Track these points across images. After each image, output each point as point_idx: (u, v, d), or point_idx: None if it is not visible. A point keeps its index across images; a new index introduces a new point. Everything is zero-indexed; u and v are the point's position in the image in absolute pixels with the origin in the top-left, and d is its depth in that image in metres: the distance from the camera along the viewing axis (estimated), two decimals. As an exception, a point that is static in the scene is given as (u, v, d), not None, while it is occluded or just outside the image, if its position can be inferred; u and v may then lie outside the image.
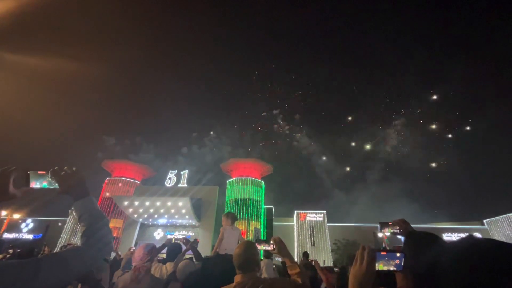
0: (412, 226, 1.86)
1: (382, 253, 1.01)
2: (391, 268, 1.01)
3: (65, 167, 1.19)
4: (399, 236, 1.93)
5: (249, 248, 1.86)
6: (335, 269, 6.32)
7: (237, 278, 1.76)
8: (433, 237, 1.22)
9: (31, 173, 1.16)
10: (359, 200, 47.65)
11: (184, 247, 3.88)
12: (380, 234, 23.39)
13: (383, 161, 48.75)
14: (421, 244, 1.17)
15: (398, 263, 1.00)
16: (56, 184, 1.17)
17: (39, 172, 1.17)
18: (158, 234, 27.47)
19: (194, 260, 3.97)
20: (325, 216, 30.29)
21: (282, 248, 1.94)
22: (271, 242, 1.97)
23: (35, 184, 1.16)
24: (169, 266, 3.20)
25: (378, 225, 2.06)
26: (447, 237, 26.52)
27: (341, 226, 31.80)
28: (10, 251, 4.79)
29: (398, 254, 1.01)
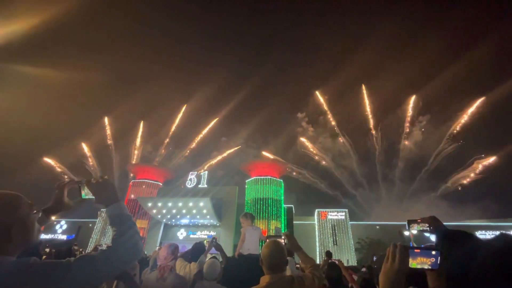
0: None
1: (416, 250, 0.96)
2: (426, 267, 0.95)
3: (97, 176, 1.27)
4: (427, 234, 1.85)
5: (277, 248, 1.82)
6: (363, 269, 6.14)
7: (266, 278, 1.72)
8: (468, 236, 1.14)
9: (81, 185, 1.29)
10: (383, 198, 46.08)
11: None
12: (406, 233, 22.45)
13: (409, 157, 46.67)
14: (456, 243, 1.10)
15: (433, 261, 0.95)
16: (91, 195, 1.26)
17: (85, 184, 1.28)
18: (182, 234, 28.22)
19: (221, 258, 4.04)
20: (347, 214, 29.59)
21: (293, 242, 2.02)
22: (283, 237, 2.04)
23: (84, 195, 1.30)
24: (193, 266, 3.27)
25: (404, 223, 2.01)
26: (480, 235, 24.89)
27: (365, 225, 30.91)
28: (47, 250, 5.11)
29: (433, 252, 0.95)
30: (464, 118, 43.01)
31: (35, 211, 1.04)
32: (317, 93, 49.79)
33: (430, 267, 0.95)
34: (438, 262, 0.94)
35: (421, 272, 0.99)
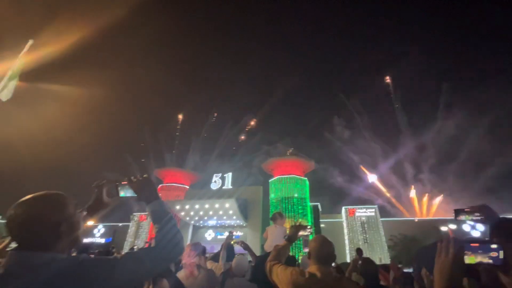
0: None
1: (473, 244, 0.87)
2: (485, 261, 0.86)
3: (138, 175, 1.32)
4: (467, 230, 1.66)
5: (326, 241, 1.89)
6: (399, 265, 6.02)
7: (313, 268, 1.77)
8: None
9: (118, 184, 1.34)
10: (415, 192, 43.52)
11: (238, 248, 4.09)
12: (443, 228, 20.99)
13: (443, 148, 43.74)
14: None
15: (495, 255, 0.85)
16: (132, 192, 1.31)
17: (123, 182, 1.33)
18: (210, 235, 28.87)
19: (249, 257, 4.13)
20: (377, 210, 28.41)
21: (294, 234, 2.17)
22: (308, 226, 2.22)
23: (122, 194, 1.34)
24: (220, 264, 3.35)
25: (441, 218, 1.81)
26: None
27: (397, 221, 29.49)
28: (96, 251, 5.46)
29: (494, 246, 0.86)
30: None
31: (80, 210, 1.10)
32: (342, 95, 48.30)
33: (491, 262, 0.85)
34: (501, 257, 0.84)
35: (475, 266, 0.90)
